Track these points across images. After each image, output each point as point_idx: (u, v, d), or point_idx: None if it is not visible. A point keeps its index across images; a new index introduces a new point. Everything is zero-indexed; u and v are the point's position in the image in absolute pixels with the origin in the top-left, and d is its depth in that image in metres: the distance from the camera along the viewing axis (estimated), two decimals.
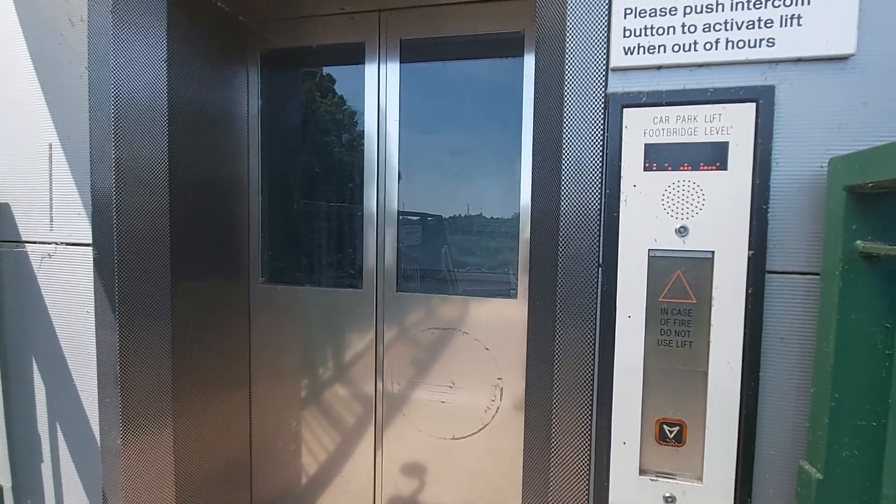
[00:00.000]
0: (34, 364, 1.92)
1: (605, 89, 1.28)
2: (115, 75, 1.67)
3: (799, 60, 1.19)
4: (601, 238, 1.30)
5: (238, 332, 2.26)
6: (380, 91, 2.12)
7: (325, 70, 2.29)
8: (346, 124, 2.24)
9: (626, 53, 1.26)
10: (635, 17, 1.26)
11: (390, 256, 2.15)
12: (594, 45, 1.28)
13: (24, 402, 1.92)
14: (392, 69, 2.11)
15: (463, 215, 2.17)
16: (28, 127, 1.84)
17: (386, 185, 2.14)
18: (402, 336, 2.16)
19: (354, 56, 2.16)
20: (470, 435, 2.10)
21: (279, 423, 2.34)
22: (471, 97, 2.10)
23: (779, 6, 1.18)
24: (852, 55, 1.16)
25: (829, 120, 1.19)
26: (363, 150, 2.16)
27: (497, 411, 2.07)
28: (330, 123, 2.29)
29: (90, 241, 1.76)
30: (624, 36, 1.26)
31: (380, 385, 2.19)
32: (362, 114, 2.15)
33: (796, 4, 1.17)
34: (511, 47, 2.01)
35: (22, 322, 1.90)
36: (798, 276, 1.21)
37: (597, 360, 1.32)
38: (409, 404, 2.16)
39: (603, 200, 1.29)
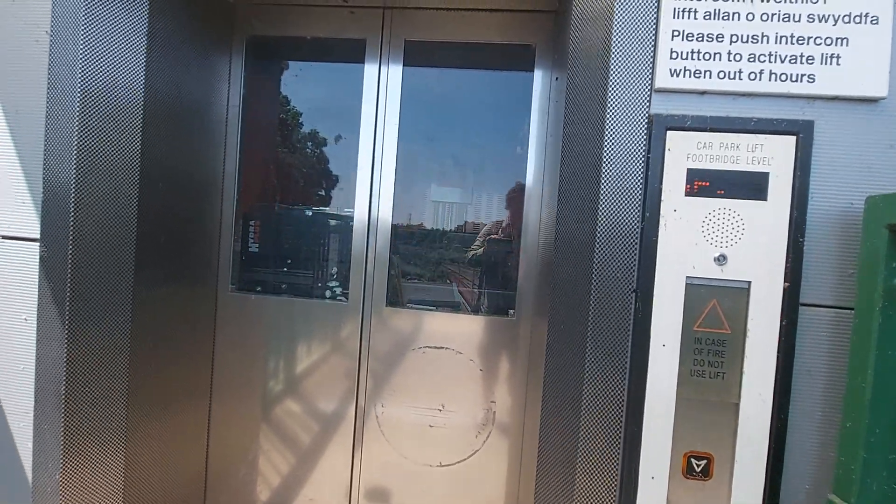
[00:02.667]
0: None
1: (649, 110, 1.25)
2: (86, 46, 1.43)
3: (835, 98, 1.22)
4: (638, 263, 1.25)
5: (201, 344, 2.01)
6: (379, 92, 1.99)
7: (318, 65, 2.13)
8: (338, 125, 2.09)
9: (671, 75, 1.24)
10: (683, 39, 1.24)
11: (381, 268, 2.00)
12: (639, 64, 1.25)
13: None
14: (394, 71, 1.99)
15: (453, 228, 2.07)
16: None
17: (380, 192, 2.00)
18: (390, 354, 2.01)
19: (353, 53, 2.02)
20: (458, 462, 1.98)
21: (240, 445, 2.10)
22: (475, 107, 2.03)
23: (820, 44, 1.20)
24: (883, 98, 1.20)
25: (859, 159, 1.22)
26: (356, 154, 2.01)
27: (488, 436, 1.97)
28: (319, 123, 2.12)
29: (36, 236, 1.48)
30: (670, 57, 1.24)
31: (361, 406, 2.03)
32: (357, 115, 2.00)
33: (836, 44, 1.20)
34: (520, 60, 1.96)
35: None
36: (828, 309, 1.22)
37: (628, 389, 1.26)
38: (394, 428, 2.01)
39: (642, 224, 1.25)
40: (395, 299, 2.03)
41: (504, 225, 2.04)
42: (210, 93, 1.94)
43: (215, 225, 2.04)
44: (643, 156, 1.24)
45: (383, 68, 2.00)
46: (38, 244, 1.47)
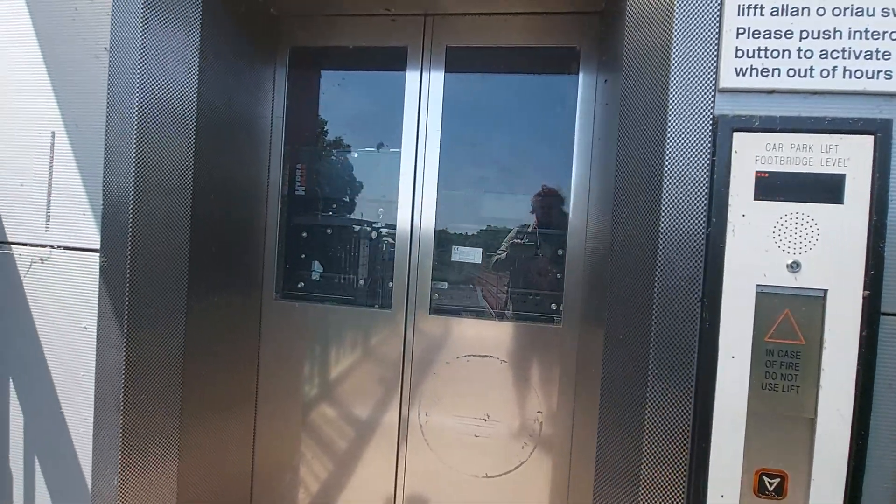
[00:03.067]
0: (11, 387, 1.64)
1: (713, 111, 1.20)
2: (143, 62, 1.46)
3: None
4: (704, 271, 1.20)
5: (246, 351, 2.04)
6: (421, 99, 1.99)
7: (361, 73, 2.14)
8: (380, 133, 2.09)
9: (737, 74, 1.19)
10: (749, 37, 1.19)
11: (424, 276, 1.99)
12: (702, 64, 1.20)
13: None
14: (436, 77, 1.98)
15: (500, 229, 2.04)
16: (22, 107, 1.60)
17: (423, 200, 1.99)
18: (433, 362, 1.99)
19: (394, 61, 2.02)
20: (504, 473, 1.95)
21: (284, 452, 2.11)
22: (517, 111, 2.00)
23: None
24: None
25: None
26: (398, 161, 2.01)
27: (535, 448, 1.92)
28: (361, 131, 2.13)
29: (97, 247, 1.53)
30: (736, 56, 1.19)
31: (405, 414, 2.01)
32: (400, 123, 2.00)
33: None
34: (564, 63, 1.93)
35: None
36: None
37: (694, 402, 1.21)
38: (438, 437, 1.99)
39: (708, 230, 1.20)
40: (438, 307, 2.01)
41: (540, 229, 2.00)
42: (255, 103, 1.97)
43: (260, 234, 2.07)
44: (708, 159, 1.19)
45: (425, 75, 1.99)
46: (99, 255, 1.51)
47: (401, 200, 2.01)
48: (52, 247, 1.58)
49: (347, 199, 2.16)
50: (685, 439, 1.21)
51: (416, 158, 1.99)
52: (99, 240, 1.51)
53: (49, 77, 1.58)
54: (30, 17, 1.59)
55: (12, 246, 1.61)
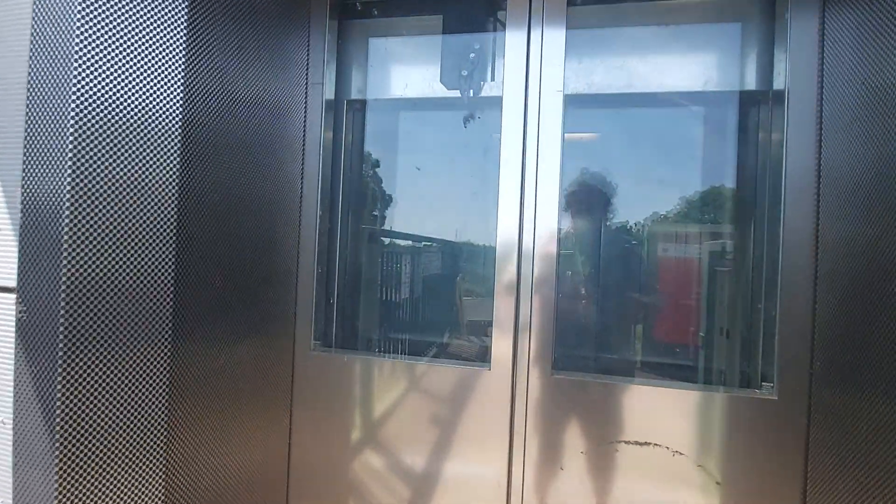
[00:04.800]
0: None
1: None
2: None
3: None
4: None
5: (274, 424, 1.36)
6: (529, 66, 1.31)
7: (434, 37, 1.49)
8: (467, 116, 1.43)
9: None
10: None
11: (540, 319, 1.28)
12: None
13: None
14: (552, 37, 1.30)
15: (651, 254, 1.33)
16: None
17: (536, 209, 1.29)
18: (563, 452, 1.27)
19: (483, 16, 1.36)
20: None
21: None
22: (662, 82, 1.31)
23: None
24: None
25: None
26: (497, 154, 1.33)
27: None
28: (436, 115, 1.47)
29: (11, 285, 0.88)
30: None
31: None
32: (497, 100, 1.33)
33: None
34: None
35: None
36: None
37: None
38: None
39: None
40: (568, 361, 1.30)
41: (728, 243, 1.29)
42: (282, 84, 1.33)
43: (291, 259, 1.41)
44: None
45: (534, 32, 1.31)
46: (14, 296, 0.86)
47: (501, 210, 1.31)
48: None
49: (418, 212, 1.50)
50: None
51: (523, 148, 1.30)
52: (15, 273, 0.86)
53: None
54: None
55: None
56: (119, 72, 0.86)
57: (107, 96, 0.84)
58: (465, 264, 1.46)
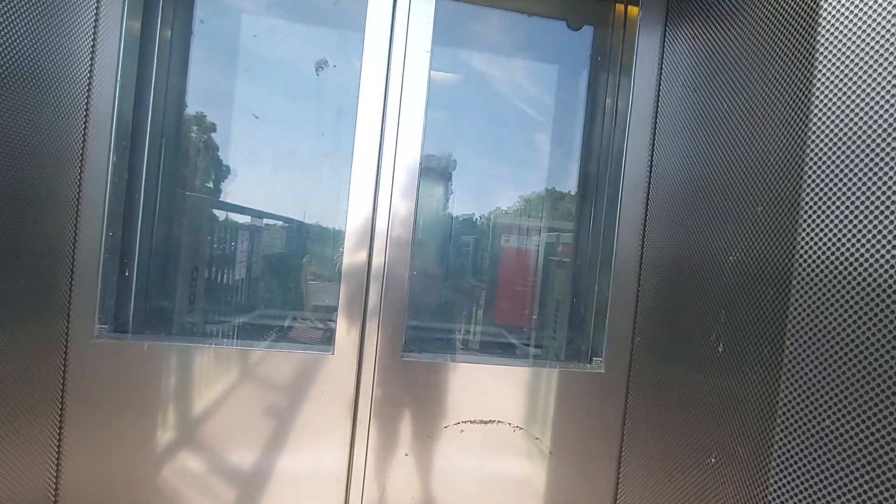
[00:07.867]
0: None
1: None
2: None
3: None
4: None
5: (35, 447, 1.01)
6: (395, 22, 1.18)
7: None
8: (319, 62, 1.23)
9: None
10: None
11: (395, 292, 1.18)
12: None
13: None
14: None
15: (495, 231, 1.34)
16: None
17: (396, 147, 1.18)
18: (409, 437, 1.20)
19: None
20: None
21: None
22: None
23: None
24: None
25: None
26: (357, 77, 1.17)
27: None
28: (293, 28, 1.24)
29: None
30: None
31: None
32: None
33: None
34: None
35: None
36: None
37: None
38: None
39: None
40: (416, 344, 1.22)
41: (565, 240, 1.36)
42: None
43: (67, 217, 1.05)
44: None
45: None
46: None
47: (358, 144, 1.17)
48: None
49: (245, 155, 1.25)
50: None
51: (386, 73, 1.17)
52: None
53: None
54: None
55: None
56: None
57: None
58: (313, 245, 1.28)
